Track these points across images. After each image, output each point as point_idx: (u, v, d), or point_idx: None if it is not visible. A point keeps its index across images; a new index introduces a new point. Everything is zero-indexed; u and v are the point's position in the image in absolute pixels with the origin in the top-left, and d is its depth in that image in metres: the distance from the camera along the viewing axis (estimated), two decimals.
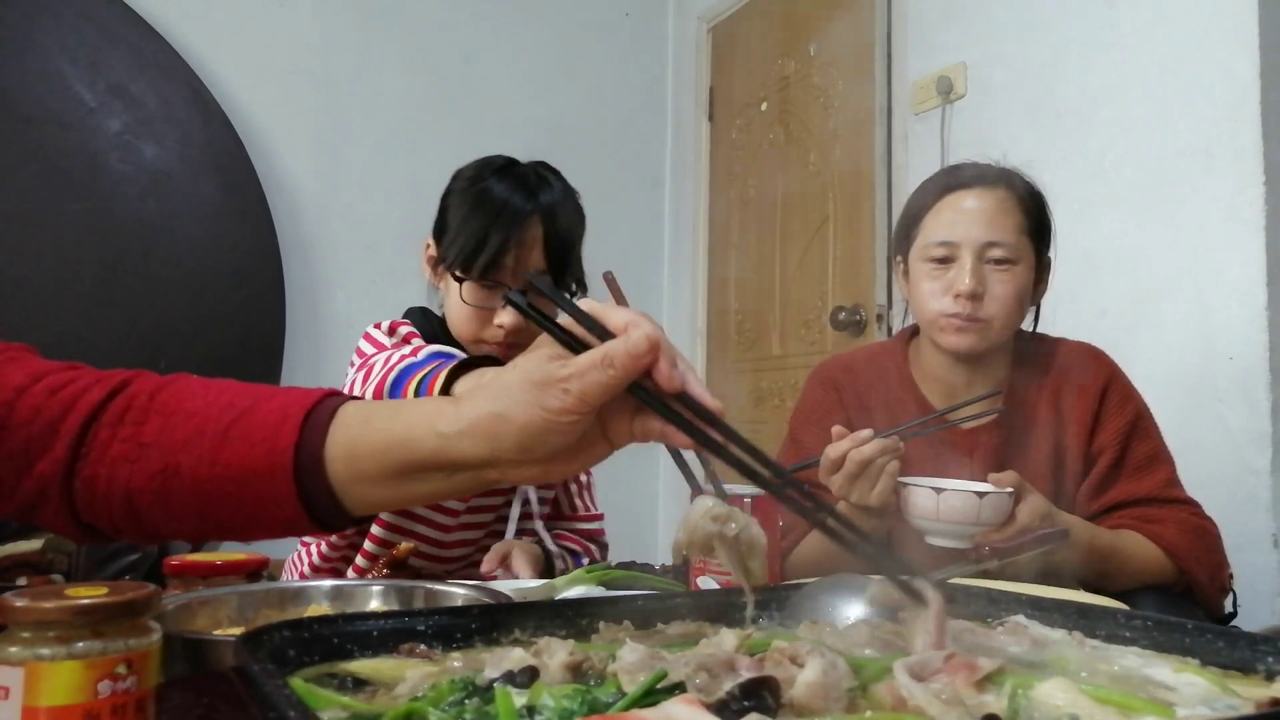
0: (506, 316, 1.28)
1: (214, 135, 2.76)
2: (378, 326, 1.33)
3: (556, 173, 1.38)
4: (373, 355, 1.19)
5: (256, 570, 0.96)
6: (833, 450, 1.15)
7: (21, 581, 1.59)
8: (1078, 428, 1.30)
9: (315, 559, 1.34)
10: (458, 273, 1.27)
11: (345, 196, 3.00)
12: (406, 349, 1.12)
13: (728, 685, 0.48)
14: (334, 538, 1.32)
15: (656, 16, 3.59)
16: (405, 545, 1.14)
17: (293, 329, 2.85)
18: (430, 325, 1.36)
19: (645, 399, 0.58)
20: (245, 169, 2.80)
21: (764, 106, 3.13)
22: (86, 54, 2.62)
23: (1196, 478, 1.35)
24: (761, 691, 0.47)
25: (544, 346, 0.59)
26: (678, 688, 0.48)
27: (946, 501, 1.09)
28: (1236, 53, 1.77)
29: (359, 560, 1.31)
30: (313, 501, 0.62)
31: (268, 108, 2.91)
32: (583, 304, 0.59)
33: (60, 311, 2.53)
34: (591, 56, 3.44)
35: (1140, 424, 1.30)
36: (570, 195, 1.35)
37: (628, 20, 3.53)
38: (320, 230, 2.96)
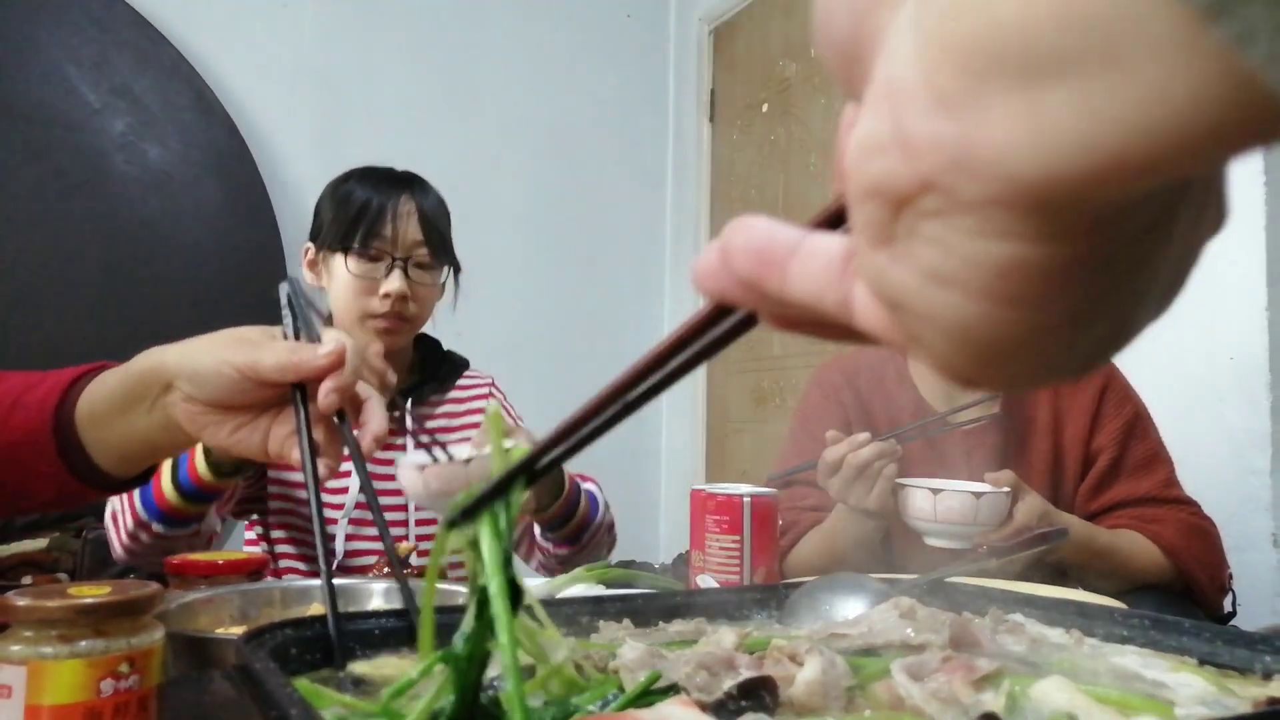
0: (392, 284, 1.32)
1: (217, 136, 2.77)
2: None
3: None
4: None
5: (258, 570, 0.96)
6: (830, 454, 1.16)
7: (27, 580, 1.60)
8: (1076, 428, 1.30)
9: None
10: (339, 248, 1.32)
11: None
12: None
13: (727, 684, 0.48)
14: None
15: (658, 17, 3.59)
16: (405, 546, 1.14)
17: None
18: None
19: (297, 406, 0.65)
20: (249, 169, 2.81)
21: (765, 108, 3.13)
22: (90, 55, 2.62)
23: (1197, 478, 1.35)
24: (760, 691, 0.47)
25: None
26: (673, 688, 0.49)
27: (943, 503, 1.09)
28: None
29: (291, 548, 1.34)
30: (68, 453, 0.69)
31: (271, 108, 2.91)
32: (320, 325, 0.69)
33: (63, 312, 2.54)
34: (592, 57, 3.45)
35: (1139, 424, 1.30)
36: (435, 191, 1.45)
37: (629, 21, 3.53)
38: None
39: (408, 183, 1.41)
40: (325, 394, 0.65)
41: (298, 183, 2.94)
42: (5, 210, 2.51)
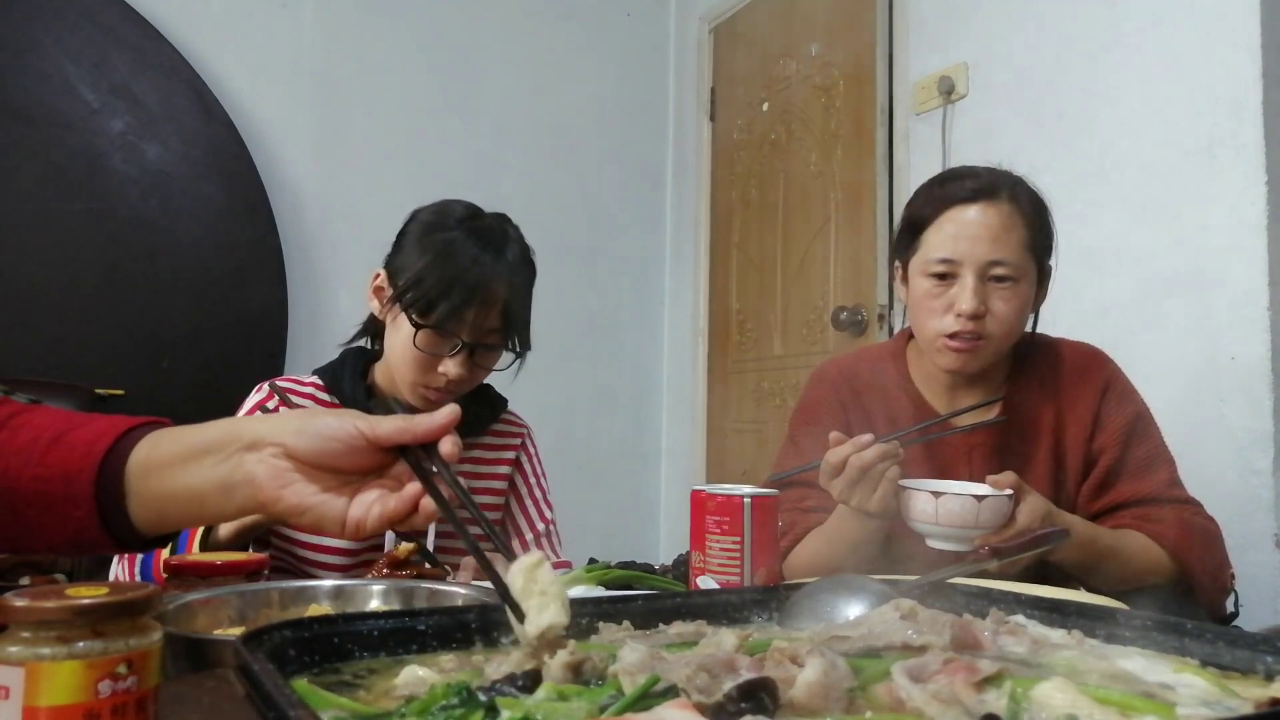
0: (452, 367, 1.29)
1: (216, 136, 2.77)
2: (259, 389, 1.36)
3: (515, 226, 1.38)
4: None
5: (256, 570, 0.96)
6: (833, 455, 1.15)
7: (24, 581, 1.59)
8: (1078, 428, 1.29)
9: None
10: (415, 319, 1.27)
11: (347, 196, 3.01)
12: None
13: (727, 686, 0.48)
14: None
15: (658, 16, 3.59)
16: (405, 546, 1.14)
17: (295, 329, 2.86)
18: (353, 380, 1.37)
19: (418, 464, 0.68)
20: (247, 169, 2.80)
21: (765, 107, 3.13)
22: (89, 55, 2.62)
23: (1198, 478, 1.35)
24: (759, 693, 0.47)
25: None
26: (671, 690, 0.48)
27: (945, 505, 1.09)
28: (1238, 52, 1.77)
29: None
30: (103, 499, 0.67)
31: (270, 108, 2.91)
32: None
33: (62, 312, 2.53)
34: (593, 56, 3.45)
35: (1140, 424, 1.29)
36: (526, 250, 1.37)
37: (629, 20, 3.53)
38: (322, 230, 2.97)
39: (502, 249, 1.31)
40: (452, 445, 0.69)
41: (296, 182, 2.94)
42: (4, 210, 2.50)
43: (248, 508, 0.67)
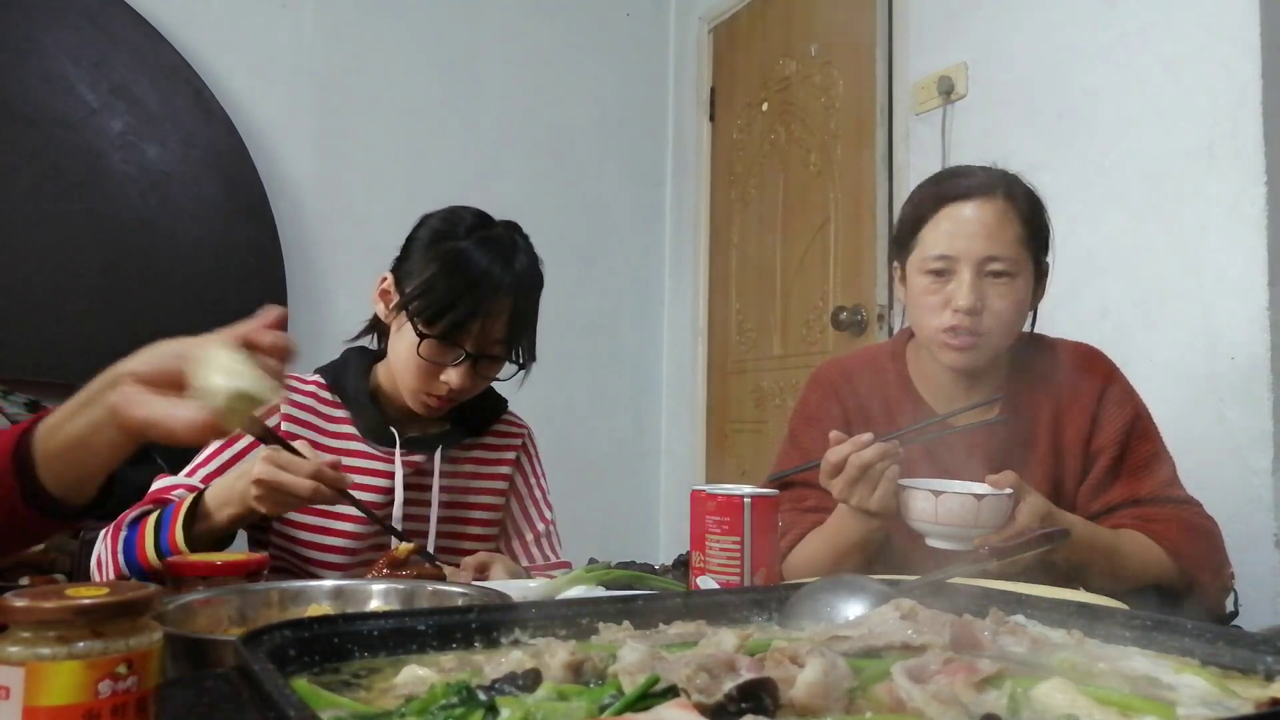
0: (455, 376, 1.29)
1: (216, 136, 2.77)
2: None
3: (525, 236, 1.37)
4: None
5: (256, 570, 0.96)
6: (833, 454, 1.15)
7: (24, 581, 1.59)
8: (1076, 428, 1.29)
9: None
10: (420, 328, 1.27)
11: (347, 197, 3.01)
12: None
13: (727, 686, 0.48)
14: None
15: (657, 16, 3.59)
16: (404, 546, 1.14)
17: (295, 330, 2.84)
18: (356, 380, 1.37)
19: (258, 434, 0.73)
20: (247, 169, 2.80)
21: (765, 106, 3.13)
22: (89, 55, 2.62)
23: (1198, 478, 1.35)
24: (759, 693, 0.47)
25: None
26: (671, 691, 0.48)
27: (945, 504, 1.09)
28: (1238, 52, 1.77)
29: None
30: (22, 475, 0.73)
31: (270, 108, 2.91)
32: None
33: (62, 312, 2.53)
34: (592, 56, 3.45)
35: (1139, 424, 1.29)
36: (535, 261, 1.36)
37: (629, 20, 3.53)
38: (322, 231, 2.97)
39: (511, 260, 1.30)
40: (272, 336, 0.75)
41: (296, 182, 2.94)
42: (4, 210, 2.50)
43: (117, 439, 0.72)
